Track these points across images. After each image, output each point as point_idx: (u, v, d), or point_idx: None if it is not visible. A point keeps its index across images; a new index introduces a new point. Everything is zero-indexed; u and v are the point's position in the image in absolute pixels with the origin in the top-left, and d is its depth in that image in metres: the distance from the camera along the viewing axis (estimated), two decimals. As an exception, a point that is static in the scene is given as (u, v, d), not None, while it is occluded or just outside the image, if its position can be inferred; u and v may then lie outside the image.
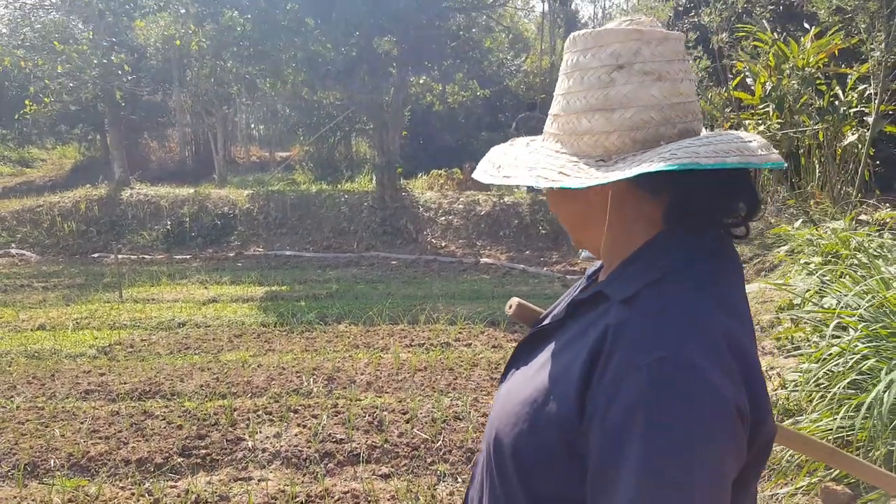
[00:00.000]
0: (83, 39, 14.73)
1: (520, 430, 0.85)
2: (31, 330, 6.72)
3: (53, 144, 23.15)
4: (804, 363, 3.70)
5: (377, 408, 4.42)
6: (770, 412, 0.82)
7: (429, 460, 3.80)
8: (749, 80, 9.05)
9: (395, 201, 12.47)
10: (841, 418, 2.81)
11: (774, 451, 3.15)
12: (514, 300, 1.25)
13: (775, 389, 3.71)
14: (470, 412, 4.35)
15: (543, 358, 0.90)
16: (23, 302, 8.04)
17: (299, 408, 4.45)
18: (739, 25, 8.90)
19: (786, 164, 0.87)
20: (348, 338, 6.17)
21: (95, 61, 13.89)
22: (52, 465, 3.74)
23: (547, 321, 1.00)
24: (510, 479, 0.86)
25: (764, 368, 3.99)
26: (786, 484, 3.00)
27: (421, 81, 13.61)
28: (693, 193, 0.85)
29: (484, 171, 0.97)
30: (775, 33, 8.80)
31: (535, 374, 0.89)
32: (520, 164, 0.92)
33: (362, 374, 5.11)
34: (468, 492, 1.03)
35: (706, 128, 0.96)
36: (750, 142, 0.84)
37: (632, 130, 0.86)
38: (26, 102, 14.67)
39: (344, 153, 18.99)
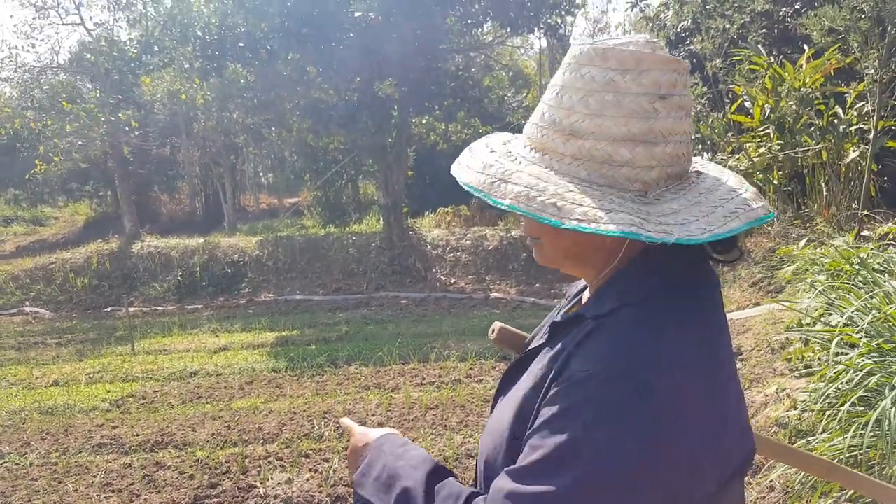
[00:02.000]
0: (90, 98, 15.16)
1: (502, 452, 0.86)
2: (45, 386, 6.76)
3: (65, 202, 23.57)
4: (814, 383, 3.66)
5: (388, 448, 4.38)
6: (748, 431, 0.84)
7: (441, 500, 3.75)
8: (747, 104, 9.13)
9: (403, 240, 12.55)
10: (851, 437, 2.76)
11: (789, 475, 3.09)
12: (497, 324, 1.24)
13: (787, 410, 3.67)
14: (482, 449, 4.31)
15: (525, 383, 0.90)
16: (36, 359, 8.10)
17: (311, 452, 4.44)
18: (735, 50, 9.02)
19: (772, 217, 0.87)
20: (359, 379, 6.16)
21: (103, 119, 14.24)
22: (65, 521, 3.73)
23: (531, 346, 1.00)
24: None
25: (775, 390, 3.95)
26: None
27: (423, 122, 13.82)
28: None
29: (515, 197, 0.83)
30: (771, 56, 8.90)
31: (515, 398, 0.89)
32: (565, 196, 0.81)
33: (373, 414, 5.09)
34: None
35: (709, 153, 0.95)
36: (749, 199, 0.85)
37: (669, 166, 0.84)
38: (36, 162, 15.02)
39: (351, 196, 19.19)
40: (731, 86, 9.21)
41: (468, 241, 12.51)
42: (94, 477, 4.25)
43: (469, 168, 0.91)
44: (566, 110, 0.85)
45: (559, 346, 0.88)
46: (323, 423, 4.97)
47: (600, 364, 0.77)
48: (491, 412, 1.01)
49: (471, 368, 6.27)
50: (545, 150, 0.87)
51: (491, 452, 0.89)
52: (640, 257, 0.88)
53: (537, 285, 11.31)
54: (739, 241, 0.91)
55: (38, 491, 4.10)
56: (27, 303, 12.22)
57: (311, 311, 10.41)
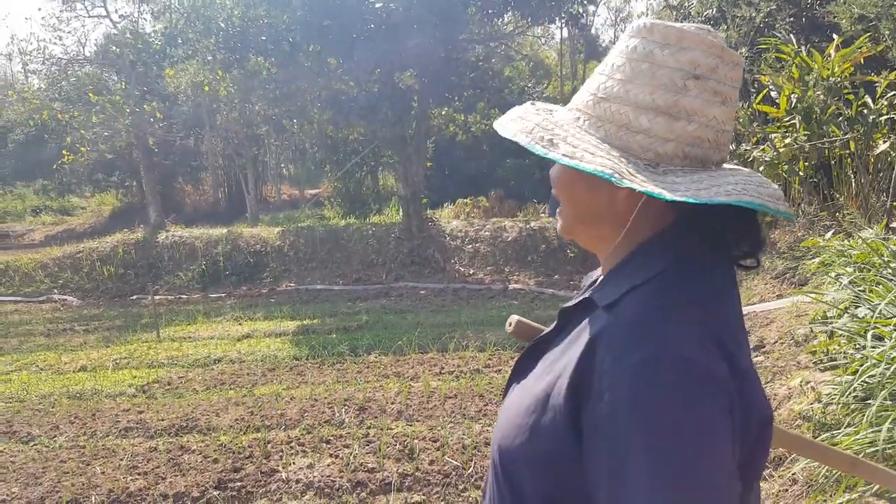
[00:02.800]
0: (116, 90, 15.36)
1: (521, 441, 0.85)
2: (73, 371, 6.92)
3: (92, 192, 23.98)
4: (840, 376, 3.61)
5: (408, 436, 4.43)
6: (765, 399, 0.82)
7: (460, 487, 3.80)
8: (773, 94, 8.98)
9: (422, 231, 12.58)
10: (881, 430, 2.71)
11: (812, 468, 3.07)
12: (514, 318, 1.24)
13: (811, 403, 3.63)
14: (501, 437, 4.33)
15: (540, 368, 0.91)
16: (65, 345, 8.28)
17: (331, 438, 4.49)
18: (762, 39, 8.88)
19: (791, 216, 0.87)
20: (379, 368, 6.21)
21: (128, 110, 14.43)
22: (94, 501, 3.82)
23: (543, 333, 1.00)
24: (516, 488, 0.86)
25: (799, 382, 3.91)
26: (825, 500, 2.90)
27: (443, 113, 13.81)
28: (706, 218, 0.86)
29: (520, 129, 0.88)
30: (798, 45, 8.74)
31: (533, 385, 0.89)
32: (578, 144, 0.84)
33: (393, 403, 5.14)
34: None
35: (734, 143, 0.95)
36: (768, 188, 0.86)
37: (687, 145, 0.84)
38: (63, 153, 15.26)
39: (371, 187, 19.27)
40: (756, 75, 9.07)
41: (487, 233, 12.50)
42: (121, 460, 4.35)
43: (504, 116, 0.95)
44: (605, 76, 0.89)
45: (572, 334, 0.88)
46: (343, 409, 5.03)
47: (627, 355, 0.76)
48: (503, 399, 1.01)
49: (489, 358, 6.29)
50: (580, 111, 0.91)
51: (507, 438, 0.88)
52: (652, 243, 0.88)
53: (556, 277, 11.28)
54: (760, 248, 0.90)
55: (67, 472, 4.20)
56: (55, 290, 12.47)
57: (331, 301, 10.50)
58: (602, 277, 0.95)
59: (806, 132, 8.19)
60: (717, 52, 0.84)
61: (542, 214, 13.92)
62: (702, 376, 0.74)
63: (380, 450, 4.21)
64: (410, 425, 4.69)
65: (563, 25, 14.77)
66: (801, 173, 8.10)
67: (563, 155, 0.82)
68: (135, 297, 12.00)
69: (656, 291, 0.83)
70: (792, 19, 9.95)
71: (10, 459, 4.49)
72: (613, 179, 0.79)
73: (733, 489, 0.75)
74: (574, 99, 0.95)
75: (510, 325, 1.23)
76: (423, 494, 3.74)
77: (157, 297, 10.39)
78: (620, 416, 0.74)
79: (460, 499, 3.70)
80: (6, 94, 21.71)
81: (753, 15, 8.78)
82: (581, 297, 0.93)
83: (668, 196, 0.77)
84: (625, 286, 0.84)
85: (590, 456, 0.78)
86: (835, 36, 8.40)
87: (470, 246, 12.32)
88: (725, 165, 0.91)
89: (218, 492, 3.83)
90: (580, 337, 0.84)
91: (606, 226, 0.90)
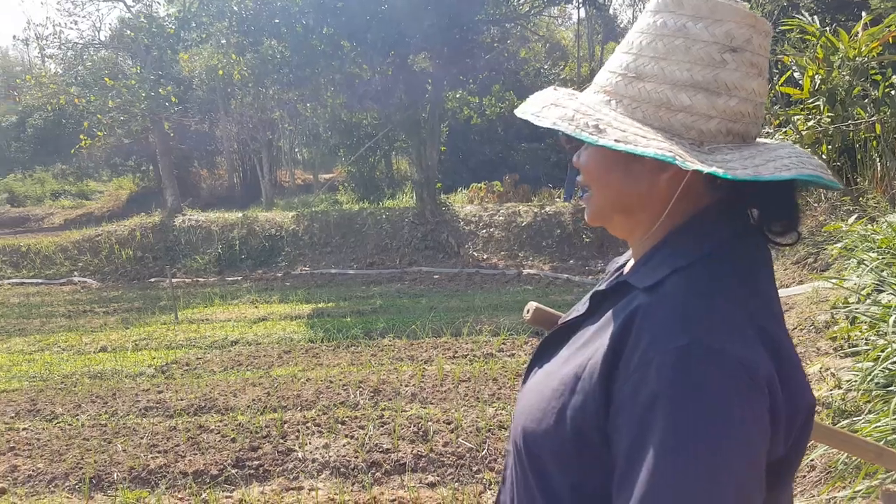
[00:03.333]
0: (132, 74, 15.43)
1: (547, 424, 0.83)
2: (94, 352, 7.03)
3: (109, 177, 24.23)
4: (861, 362, 3.56)
5: (422, 418, 4.46)
6: (808, 388, 0.80)
7: (474, 469, 3.83)
8: (796, 75, 8.80)
9: (436, 216, 12.58)
10: None
11: (831, 454, 3.04)
12: (532, 304, 1.22)
13: (830, 390, 3.59)
14: (515, 420, 4.35)
15: (567, 352, 0.88)
16: (85, 326, 8.41)
17: (347, 419, 4.54)
18: (786, 19, 8.71)
19: (839, 187, 0.84)
20: (393, 351, 6.25)
21: (144, 94, 14.51)
22: (115, 478, 3.90)
23: (570, 317, 0.97)
24: (541, 474, 0.84)
25: (819, 369, 3.87)
26: (844, 487, 2.87)
27: (457, 96, 13.74)
28: (746, 197, 0.84)
29: (559, 118, 0.84)
30: (824, 24, 8.55)
31: (559, 368, 0.87)
32: (627, 129, 0.81)
33: (407, 385, 5.17)
34: (499, 496, 1.01)
35: None
36: (812, 160, 0.83)
37: (730, 121, 0.81)
38: (81, 137, 15.40)
39: (384, 171, 19.28)
40: (779, 56, 8.91)
41: (501, 217, 12.47)
42: (142, 438, 4.42)
43: (528, 103, 0.91)
44: (634, 54, 0.86)
45: (605, 316, 0.85)
46: (358, 391, 5.07)
47: (666, 340, 0.74)
48: (524, 383, 0.99)
49: (503, 343, 6.30)
50: (608, 93, 0.87)
51: (532, 422, 0.86)
52: (690, 225, 0.85)
53: (571, 262, 11.24)
54: (800, 223, 0.87)
55: (90, 450, 4.29)
56: (75, 273, 12.66)
57: (345, 285, 10.56)
58: (634, 261, 0.92)
59: (830, 114, 8.01)
60: (751, 22, 0.81)
61: (557, 199, 13.85)
62: (742, 374, 0.72)
63: (394, 431, 4.25)
64: (424, 408, 4.72)
65: (581, 5, 14.58)
66: (824, 157, 7.97)
67: (616, 140, 0.78)
68: (153, 279, 12.14)
69: (700, 275, 0.80)
70: (818, -4, 9.75)
71: (35, 436, 4.59)
72: (677, 162, 0.75)
73: (750, 494, 0.71)
74: (596, 80, 0.92)
75: (528, 312, 1.21)
76: (438, 475, 3.78)
77: (174, 280, 10.49)
78: (649, 397, 0.72)
79: (474, 480, 3.73)
80: (24, 79, 21.92)
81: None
82: (616, 280, 0.91)
83: (732, 175, 0.75)
84: (666, 269, 0.82)
85: (612, 433, 0.76)
86: (863, 14, 8.19)
87: (484, 231, 12.30)
88: (765, 141, 0.89)
89: (236, 470, 3.89)
90: (615, 318, 0.82)
91: (644, 211, 0.87)
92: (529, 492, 0.87)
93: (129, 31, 16.62)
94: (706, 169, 0.75)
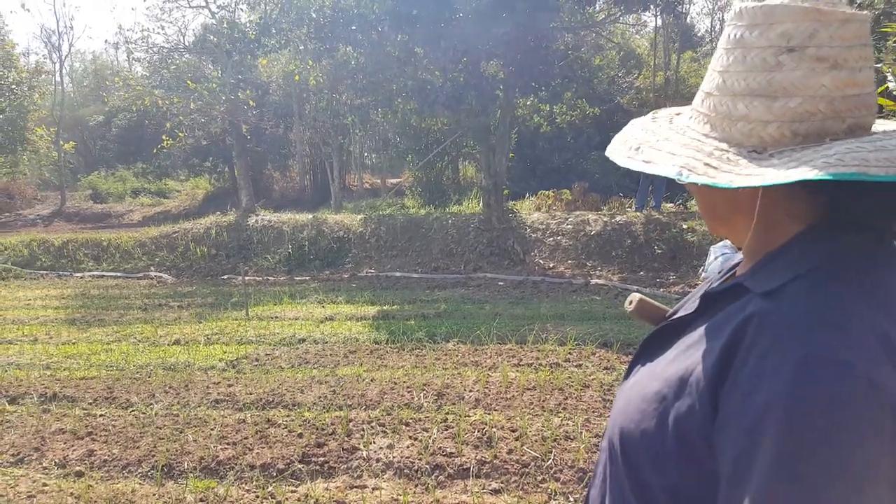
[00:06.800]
0: (213, 78, 16.04)
1: (647, 426, 0.82)
2: (168, 345, 7.30)
3: (187, 176, 25.23)
4: None
5: (486, 424, 4.41)
6: None
7: (539, 478, 3.75)
8: (892, 86, 8.36)
9: (502, 223, 12.51)
10: None
11: None
12: (636, 295, 1.18)
13: None
14: (582, 432, 4.25)
15: (673, 353, 0.86)
16: (160, 319, 8.76)
17: (410, 421, 4.53)
18: (888, 24, 8.30)
19: None
20: (457, 356, 6.22)
21: (224, 98, 15.07)
22: (186, 467, 4.02)
23: (677, 315, 0.95)
24: (636, 475, 0.83)
25: None
26: None
27: (528, 103, 13.65)
28: (857, 198, 0.78)
29: (618, 151, 0.90)
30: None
31: (664, 369, 0.85)
32: (662, 148, 0.85)
33: (471, 391, 5.13)
34: (589, 491, 1.00)
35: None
36: None
37: (794, 122, 0.79)
38: (163, 138, 16.10)
39: (451, 177, 19.34)
40: (877, 65, 8.47)
41: (569, 226, 12.28)
42: (212, 429, 4.55)
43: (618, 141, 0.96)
44: (711, 70, 0.88)
45: (717, 318, 0.82)
46: (422, 394, 5.06)
47: (785, 349, 0.70)
48: (625, 379, 0.97)
49: (569, 353, 6.18)
50: (692, 109, 0.91)
51: (631, 423, 0.84)
52: (812, 231, 0.82)
53: (641, 273, 10.95)
54: None
55: (163, 438, 4.44)
56: (152, 268, 13.23)
57: (409, 288, 10.61)
58: (750, 265, 0.89)
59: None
60: (814, 16, 0.77)
61: (629, 209, 13.56)
62: (870, 391, 0.67)
63: (458, 435, 4.22)
64: (488, 414, 4.67)
65: (658, 13, 14.25)
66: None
67: (644, 161, 0.85)
68: (225, 276, 12.55)
69: (824, 283, 0.76)
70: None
71: (111, 423, 4.79)
72: (677, 177, 0.80)
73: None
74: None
75: (630, 303, 1.15)
76: (501, 482, 3.72)
77: (246, 278, 10.81)
78: (762, 407, 0.68)
79: (539, 489, 3.65)
80: (112, 81, 23.15)
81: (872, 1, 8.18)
82: (730, 283, 0.88)
83: (722, 184, 0.76)
84: (787, 275, 0.79)
85: (719, 442, 0.73)
86: None
87: (551, 239, 12.15)
88: (880, 127, 0.83)
89: (302, 465, 3.95)
90: (727, 322, 0.79)
91: (737, 219, 0.88)
92: (621, 491, 0.86)
93: (211, 37, 17.30)
94: (699, 181, 0.78)
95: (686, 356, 0.82)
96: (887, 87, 8.54)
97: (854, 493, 0.65)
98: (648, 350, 0.94)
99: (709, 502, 0.75)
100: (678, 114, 0.95)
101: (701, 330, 0.84)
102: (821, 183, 0.75)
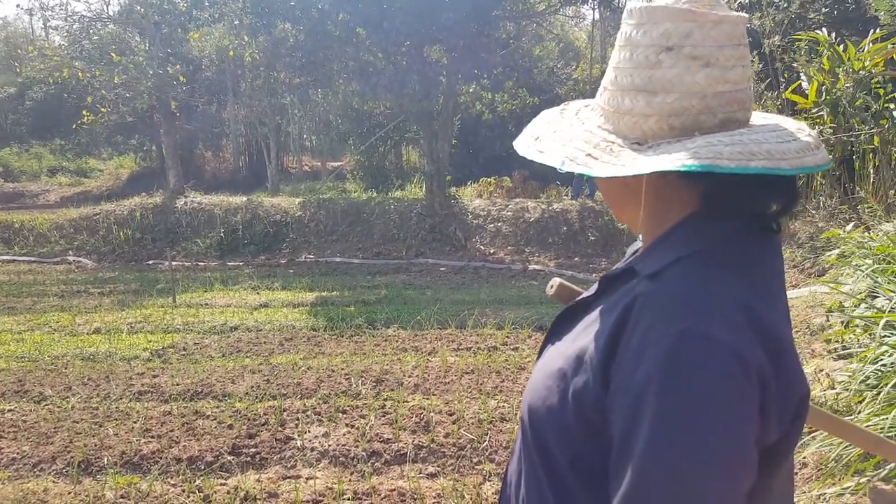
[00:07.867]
0: (139, 51, 15.18)
1: (551, 402, 0.86)
2: (87, 334, 6.88)
3: (110, 155, 23.94)
4: (853, 363, 3.67)
5: (424, 409, 4.36)
6: (802, 377, 0.81)
7: (475, 460, 3.75)
8: (804, 84, 8.80)
9: (445, 209, 12.47)
10: (893, 418, 2.73)
11: (822, 452, 3.03)
12: (556, 280, 1.26)
13: (824, 390, 3.62)
14: (517, 414, 4.25)
15: (575, 332, 0.92)
16: (79, 307, 8.26)
17: (347, 409, 4.44)
18: (800, 34, 8.68)
19: (829, 167, 0.83)
20: (396, 342, 6.15)
21: (151, 72, 14.29)
22: (105, 462, 3.80)
23: (581, 297, 1.02)
24: (544, 449, 0.87)
25: (813, 370, 3.87)
26: (833, 484, 2.89)
27: (471, 90, 13.60)
28: (729, 185, 0.82)
29: (523, 142, 0.96)
30: (832, 37, 8.56)
31: (566, 348, 0.90)
32: (557, 139, 0.91)
33: (410, 376, 5.07)
34: (508, 467, 1.05)
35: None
36: (788, 141, 0.82)
37: (670, 116, 0.85)
38: (84, 112, 15.20)
39: (394, 162, 19.14)
40: (789, 64, 8.85)
41: (509, 213, 12.37)
42: (135, 423, 4.31)
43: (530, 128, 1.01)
44: (609, 68, 0.93)
45: (611, 300, 0.88)
46: (360, 381, 4.96)
47: (663, 326, 0.77)
48: (538, 359, 1.02)
49: (507, 336, 6.21)
50: (595, 103, 0.96)
51: (538, 399, 0.89)
52: (693, 217, 0.87)
53: (576, 259, 11.17)
54: (792, 208, 0.88)
55: (80, 433, 4.18)
56: (71, 252, 12.49)
57: (350, 274, 10.45)
58: (643, 250, 0.96)
59: (832, 125, 8.06)
60: (689, 17, 0.83)
61: (565, 197, 13.76)
62: (733, 361, 0.74)
63: (396, 421, 4.15)
64: (427, 398, 4.62)
65: (596, 7, 14.42)
66: (824, 167, 8.00)
67: (538, 151, 0.91)
68: (151, 261, 12.02)
69: (700, 264, 0.83)
70: (827, 10, 9.69)
71: (21, 418, 4.47)
72: (559, 166, 0.86)
73: (737, 480, 0.73)
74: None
75: (552, 287, 1.25)
76: (438, 466, 3.69)
77: (174, 263, 10.38)
78: (643, 380, 0.75)
79: (474, 471, 3.65)
80: (26, 50, 21.69)
81: (789, 4, 8.54)
82: (624, 266, 0.94)
83: (594, 174, 0.84)
84: (669, 257, 0.85)
85: (610, 414, 0.79)
86: (872, 30, 8.26)
87: (492, 225, 12.20)
88: (757, 121, 0.89)
89: (232, 457, 3.79)
90: (619, 303, 0.85)
91: (631, 205, 0.93)
92: (532, 465, 0.91)
93: (139, 7, 16.41)
94: (577, 171, 0.85)
95: (585, 335, 0.87)
96: (800, 85, 8.91)
97: (722, 455, 0.72)
98: (557, 330, 0.99)
99: (608, 474, 0.80)
100: (586, 105, 1.00)
101: (598, 310, 0.89)
102: (697, 173, 0.80)
